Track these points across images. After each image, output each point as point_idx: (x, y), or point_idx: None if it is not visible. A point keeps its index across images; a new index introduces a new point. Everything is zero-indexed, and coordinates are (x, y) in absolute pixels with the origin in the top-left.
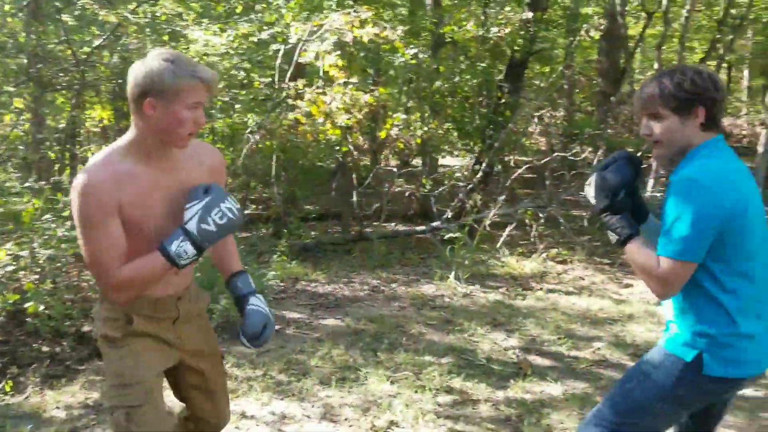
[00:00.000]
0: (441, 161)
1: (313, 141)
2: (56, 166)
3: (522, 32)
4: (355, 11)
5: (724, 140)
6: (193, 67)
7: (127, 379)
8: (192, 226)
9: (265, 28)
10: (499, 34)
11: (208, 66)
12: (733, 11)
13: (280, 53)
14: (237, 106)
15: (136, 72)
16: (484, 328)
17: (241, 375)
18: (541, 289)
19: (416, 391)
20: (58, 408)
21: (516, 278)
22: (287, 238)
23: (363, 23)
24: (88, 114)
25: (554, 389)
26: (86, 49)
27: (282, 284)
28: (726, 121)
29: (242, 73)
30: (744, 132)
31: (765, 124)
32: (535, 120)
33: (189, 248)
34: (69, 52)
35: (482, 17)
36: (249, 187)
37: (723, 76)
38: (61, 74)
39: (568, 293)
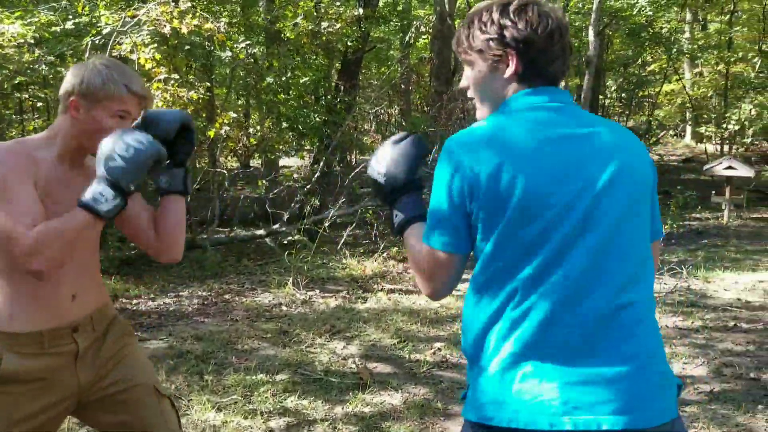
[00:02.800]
0: (282, 161)
1: None
2: None
3: (354, 28)
4: (174, 1)
5: (554, 94)
6: (127, 77)
7: None
8: (101, 169)
9: (70, 17)
10: (330, 30)
11: (3, 58)
12: None
13: (88, 46)
14: (39, 105)
15: (72, 71)
16: (323, 337)
17: None
18: (381, 290)
19: (246, 417)
20: None
21: (357, 280)
22: (108, 249)
23: (183, 14)
24: None
25: (395, 398)
26: None
27: None
28: None
29: (45, 68)
30: None
31: None
32: (371, 117)
33: (106, 190)
34: None
35: (314, 12)
36: None
37: None
38: None
39: (408, 292)
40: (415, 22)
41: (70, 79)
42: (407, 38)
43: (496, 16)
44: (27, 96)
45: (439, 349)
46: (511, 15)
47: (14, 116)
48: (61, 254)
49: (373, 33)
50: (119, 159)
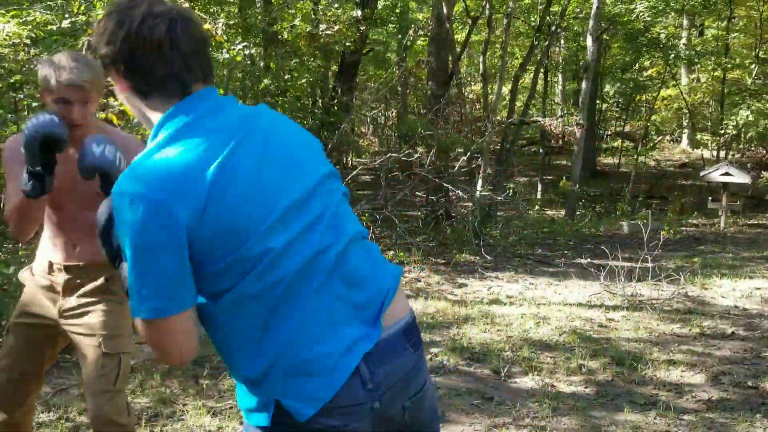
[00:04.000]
0: None
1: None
2: None
3: (352, 31)
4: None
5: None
6: (64, 67)
7: None
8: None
9: (66, 16)
10: (328, 32)
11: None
12: (548, 19)
13: (83, 45)
14: (34, 105)
15: None
16: None
17: (33, 421)
18: None
19: (241, 422)
20: None
21: None
22: None
23: None
24: None
25: None
26: None
27: None
28: (546, 122)
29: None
30: (557, 131)
31: (578, 125)
32: (368, 120)
33: (24, 174)
34: None
35: (312, 14)
36: None
37: (540, 81)
38: None
39: (406, 296)
40: (412, 25)
41: None
42: (405, 41)
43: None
44: (22, 96)
45: (435, 354)
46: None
47: (9, 115)
48: (17, 226)
49: (371, 35)
50: (25, 138)
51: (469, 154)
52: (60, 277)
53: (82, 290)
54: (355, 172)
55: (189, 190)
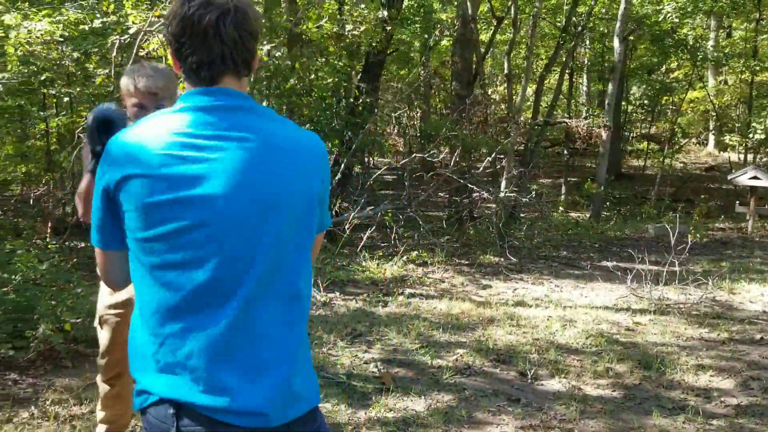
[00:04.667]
0: None
1: None
2: None
3: (377, 31)
4: None
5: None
6: (142, 76)
7: None
8: None
9: (97, 15)
10: (354, 32)
11: (29, 55)
12: (574, 20)
13: (116, 45)
14: (65, 100)
15: None
16: (345, 340)
17: (63, 413)
18: (402, 293)
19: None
20: None
21: (377, 283)
22: None
23: None
24: None
25: (418, 404)
26: None
27: None
28: (572, 123)
29: (70, 65)
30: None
31: (605, 127)
32: (393, 120)
33: (88, 154)
34: None
35: (338, 14)
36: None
37: (565, 81)
38: None
39: (429, 297)
40: (437, 25)
41: None
42: (429, 41)
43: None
44: (53, 92)
45: (461, 355)
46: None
47: (39, 112)
48: (85, 207)
49: (395, 35)
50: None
51: (493, 154)
52: None
53: None
54: (378, 173)
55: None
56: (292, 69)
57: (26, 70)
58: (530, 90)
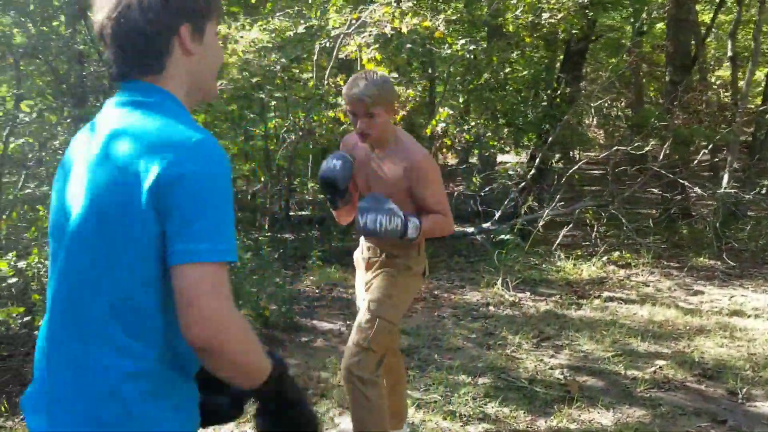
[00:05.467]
0: (502, 158)
1: None
2: None
3: (577, 18)
4: (397, 2)
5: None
6: (351, 81)
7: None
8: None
9: (302, 21)
10: (551, 20)
11: (245, 63)
12: None
13: (317, 48)
14: (273, 103)
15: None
16: (530, 343)
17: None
18: (598, 296)
19: (445, 418)
20: None
21: (572, 284)
22: (332, 241)
23: (403, 14)
24: None
25: (605, 417)
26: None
27: (317, 291)
28: None
29: (280, 70)
30: None
31: None
32: (593, 111)
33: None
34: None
35: (537, 3)
36: (291, 188)
37: None
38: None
39: (629, 302)
40: (646, 8)
41: (395, 91)
42: (638, 25)
43: None
44: (263, 95)
45: (660, 367)
46: None
47: (257, 116)
48: (335, 215)
49: (601, 20)
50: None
51: (711, 146)
52: (366, 255)
53: (375, 266)
54: (575, 167)
55: None
56: (488, 63)
57: (240, 77)
58: (759, 74)
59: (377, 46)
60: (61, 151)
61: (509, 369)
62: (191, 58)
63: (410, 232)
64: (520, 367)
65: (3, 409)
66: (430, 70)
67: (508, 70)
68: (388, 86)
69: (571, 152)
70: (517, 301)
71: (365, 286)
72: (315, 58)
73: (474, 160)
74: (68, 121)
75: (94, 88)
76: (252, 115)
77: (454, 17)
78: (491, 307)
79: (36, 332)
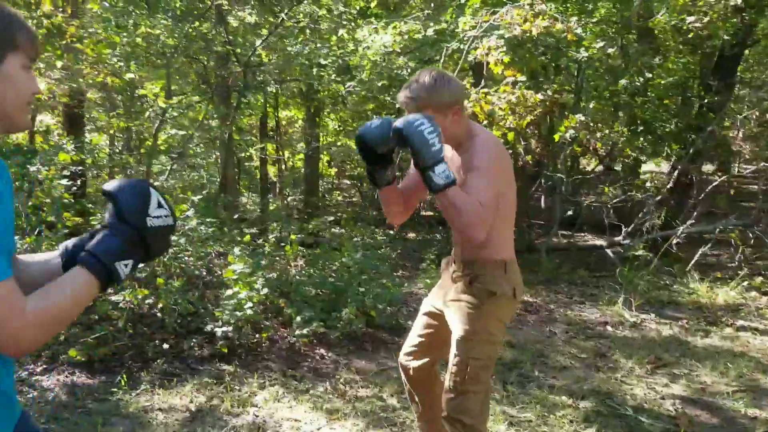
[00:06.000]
0: (647, 167)
1: None
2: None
3: (731, 21)
4: (530, 4)
5: None
6: (404, 86)
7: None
8: None
9: (431, 24)
10: (697, 24)
11: (374, 66)
12: None
13: (444, 51)
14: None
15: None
16: (644, 369)
17: (351, 393)
18: (731, 324)
19: None
20: (160, 410)
21: (703, 309)
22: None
23: (536, 16)
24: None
25: None
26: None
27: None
28: None
29: (406, 73)
30: None
31: None
32: (739, 122)
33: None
34: (232, 53)
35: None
36: None
37: None
38: (227, 76)
39: (765, 333)
40: None
41: (455, 90)
42: None
43: None
44: (388, 97)
45: None
46: None
47: (392, 116)
48: (384, 209)
49: (762, 24)
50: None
51: None
52: (451, 269)
53: (457, 285)
54: (717, 182)
55: None
56: (627, 67)
57: (367, 79)
58: None
59: (505, 49)
60: (202, 145)
61: (616, 394)
62: None
63: (438, 171)
64: (627, 394)
65: (123, 382)
66: (561, 75)
67: (649, 75)
68: (440, 86)
69: (717, 165)
70: (638, 322)
71: (443, 298)
72: (442, 61)
73: (617, 168)
74: (214, 116)
75: (235, 86)
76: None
77: (595, 19)
78: (608, 327)
79: (159, 313)
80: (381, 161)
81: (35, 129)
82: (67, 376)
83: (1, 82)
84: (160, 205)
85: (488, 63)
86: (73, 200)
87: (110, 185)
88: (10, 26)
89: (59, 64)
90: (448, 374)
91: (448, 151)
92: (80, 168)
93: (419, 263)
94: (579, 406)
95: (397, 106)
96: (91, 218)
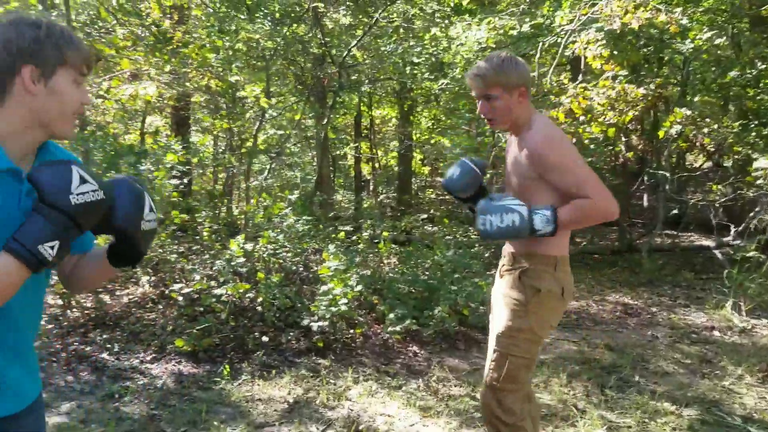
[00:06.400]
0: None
1: (575, 141)
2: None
3: None
4: None
5: None
6: (474, 66)
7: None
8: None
9: (526, 20)
10: None
11: (469, 63)
12: None
13: (540, 46)
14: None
15: (521, 65)
16: (755, 377)
17: (443, 392)
18: None
19: None
20: (260, 400)
21: None
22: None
23: (637, 8)
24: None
25: None
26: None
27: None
28: None
29: None
30: None
31: None
32: None
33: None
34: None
35: None
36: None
37: None
38: (322, 76)
39: None
40: None
41: (524, 72)
42: None
43: None
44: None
45: None
46: None
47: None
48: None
49: None
50: None
51: None
52: (502, 261)
53: (505, 278)
54: None
55: None
56: (736, 58)
57: (460, 76)
58: None
59: (604, 42)
60: (299, 144)
61: (723, 403)
62: (34, 98)
63: (538, 224)
64: (736, 403)
65: (225, 372)
66: (665, 68)
67: (762, 66)
68: (508, 66)
69: None
70: (748, 327)
71: (495, 295)
72: (537, 56)
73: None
74: (311, 116)
75: (330, 86)
76: (469, 114)
77: (702, 8)
78: (715, 332)
79: (258, 307)
80: (471, 200)
81: (145, 131)
82: (174, 365)
83: (48, 95)
84: (83, 181)
85: (586, 57)
86: (180, 198)
87: (33, 170)
88: (60, 43)
89: (167, 68)
90: (486, 369)
91: (510, 139)
92: (187, 167)
93: None
94: (682, 413)
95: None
96: (196, 215)
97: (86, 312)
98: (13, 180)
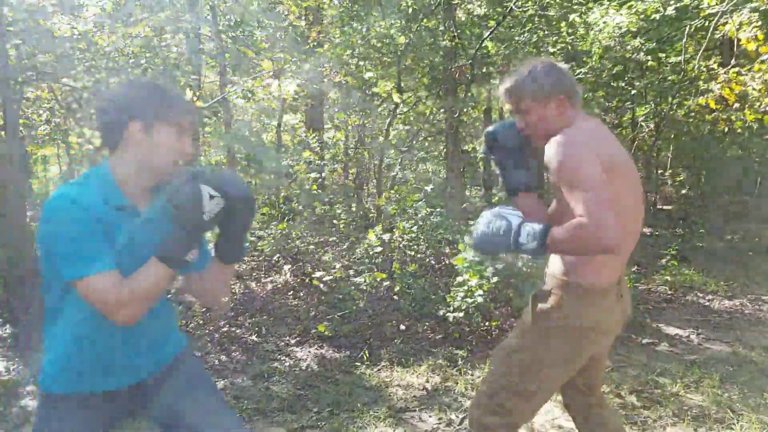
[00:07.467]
0: None
1: (728, 130)
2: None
3: None
4: None
5: None
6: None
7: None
8: None
9: (671, 1)
10: None
11: (607, 50)
12: None
13: (686, 30)
14: (633, 92)
15: (556, 71)
16: None
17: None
18: None
19: None
20: (399, 386)
21: None
22: (694, 240)
23: None
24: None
25: None
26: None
27: (670, 292)
28: None
29: (641, 56)
30: None
31: None
32: None
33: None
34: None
35: None
36: (652, 181)
37: None
38: (453, 69)
39: None
40: None
41: (560, 79)
42: None
43: None
44: (623, 84)
45: None
46: None
47: (627, 104)
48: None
49: None
50: None
51: None
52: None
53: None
54: None
55: None
56: None
57: (598, 65)
58: None
59: (760, 23)
60: (429, 138)
61: None
62: (140, 147)
63: (523, 238)
64: None
65: (365, 357)
66: None
67: None
68: (539, 77)
69: None
70: None
71: None
72: (684, 40)
73: None
74: (442, 111)
75: (461, 79)
76: (609, 104)
77: None
78: None
79: (395, 296)
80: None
81: (282, 128)
82: (317, 349)
83: (150, 147)
84: (211, 197)
85: (739, 40)
86: (320, 191)
87: (172, 192)
88: (160, 100)
89: (306, 67)
90: (484, 379)
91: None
92: (323, 162)
93: (656, 259)
94: None
95: (633, 92)
96: (336, 206)
97: (234, 297)
98: (129, 214)
